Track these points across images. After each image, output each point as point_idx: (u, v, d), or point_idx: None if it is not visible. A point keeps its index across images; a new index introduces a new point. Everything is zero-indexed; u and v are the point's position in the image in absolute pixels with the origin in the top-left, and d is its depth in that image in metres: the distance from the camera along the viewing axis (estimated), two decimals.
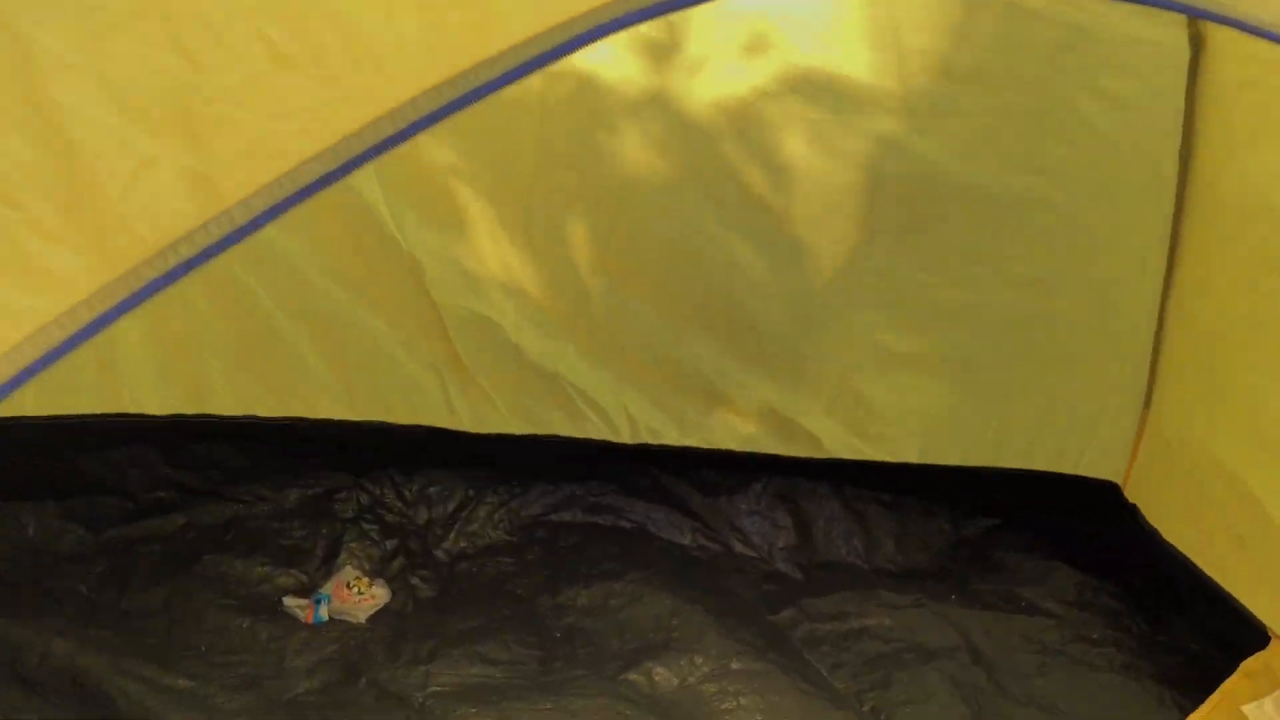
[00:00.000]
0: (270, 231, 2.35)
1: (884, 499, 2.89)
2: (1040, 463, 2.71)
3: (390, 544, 2.65)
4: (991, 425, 2.62)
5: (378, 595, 2.50)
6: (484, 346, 2.54)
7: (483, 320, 2.51)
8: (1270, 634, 2.21)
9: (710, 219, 2.42)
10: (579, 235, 2.47)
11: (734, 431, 2.68)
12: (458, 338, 2.53)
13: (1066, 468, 2.73)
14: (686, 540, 2.79)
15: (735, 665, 2.30)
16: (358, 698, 2.17)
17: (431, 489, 2.77)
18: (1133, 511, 2.67)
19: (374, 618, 2.45)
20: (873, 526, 2.86)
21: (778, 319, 2.52)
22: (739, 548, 2.80)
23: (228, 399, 2.58)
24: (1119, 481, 2.74)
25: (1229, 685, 2.19)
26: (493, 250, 2.45)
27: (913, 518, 2.88)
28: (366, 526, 2.68)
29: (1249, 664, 2.18)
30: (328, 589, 2.50)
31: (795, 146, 2.30)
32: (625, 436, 2.66)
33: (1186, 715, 2.29)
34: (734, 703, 2.21)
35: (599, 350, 2.57)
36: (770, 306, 2.51)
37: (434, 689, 2.18)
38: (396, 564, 2.62)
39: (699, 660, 2.31)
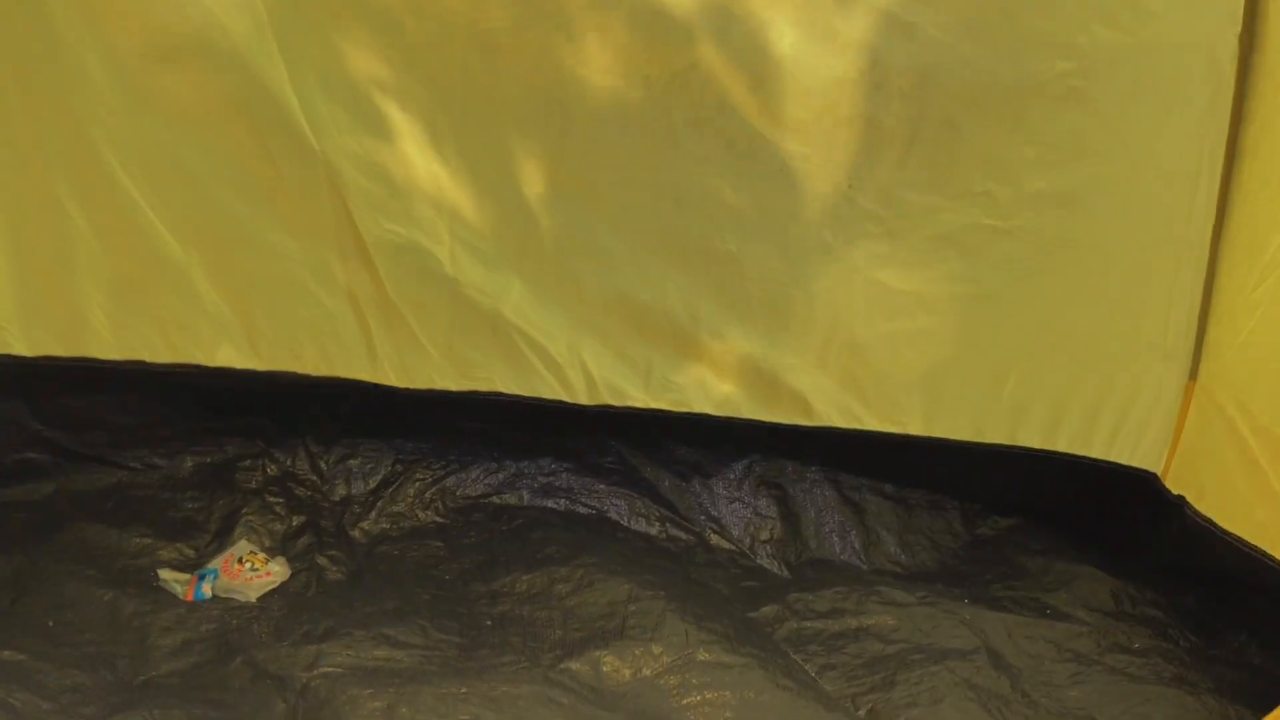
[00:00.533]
0: (160, 132, 2.07)
1: (885, 489, 2.49)
2: (1065, 443, 2.31)
3: (297, 520, 2.23)
4: (1008, 383, 2.22)
5: (274, 572, 2.08)
6: (413, 278, 2.15)
7: (412, 246, 2.12)
8: None
9: (683, 131, 2.05)
10: (526, 150, 2.09)
11: (709, 391, 2.27)
12: (383, 267, 2.14)
13: (1097, 452, 2.32)
14: (654, 530, 2.38)
15: (703, 656, 1.88)
16: (226, 679, 1.74)
17: (353, 460, 2.37)
18: (1179, 505, 2.25)
19: (266, 597, 2.02)
20: (872, 520, 2.45)
21: (761, 253, 2.14)
22: (715, 540, 2.39)
23: (109, 340, 2.18)
24: (1158, 471, 2.33)
25: None
26: (424, 163, 2.08)
27: (918, 512, 2.48)
28: (271, 499, 2.26)
29: None
30: (215, 564, 2.08)
31: (784, 34, 1.94)
32: (582, 396, 2.25)
33: None
34: (698, 697, 1.79)
35: (550, 286, 2.18)
36: (752, 237, 2.12)
37: (323, 670, 1.74)
38: (302, 542, 2.20)
39: (658, 650, 1.89)
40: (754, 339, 2.20)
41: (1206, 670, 2.06)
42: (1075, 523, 2.45)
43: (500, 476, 2.40)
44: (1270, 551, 1.99)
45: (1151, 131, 1.95)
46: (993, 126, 1.99)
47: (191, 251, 2.13)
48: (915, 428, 2.31)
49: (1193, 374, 2.22)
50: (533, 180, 2.10)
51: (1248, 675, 2.06)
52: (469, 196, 2.11)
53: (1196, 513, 2.20)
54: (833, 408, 2.30)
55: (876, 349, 2.20)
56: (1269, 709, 1.94)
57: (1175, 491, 2.28)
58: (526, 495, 2.39)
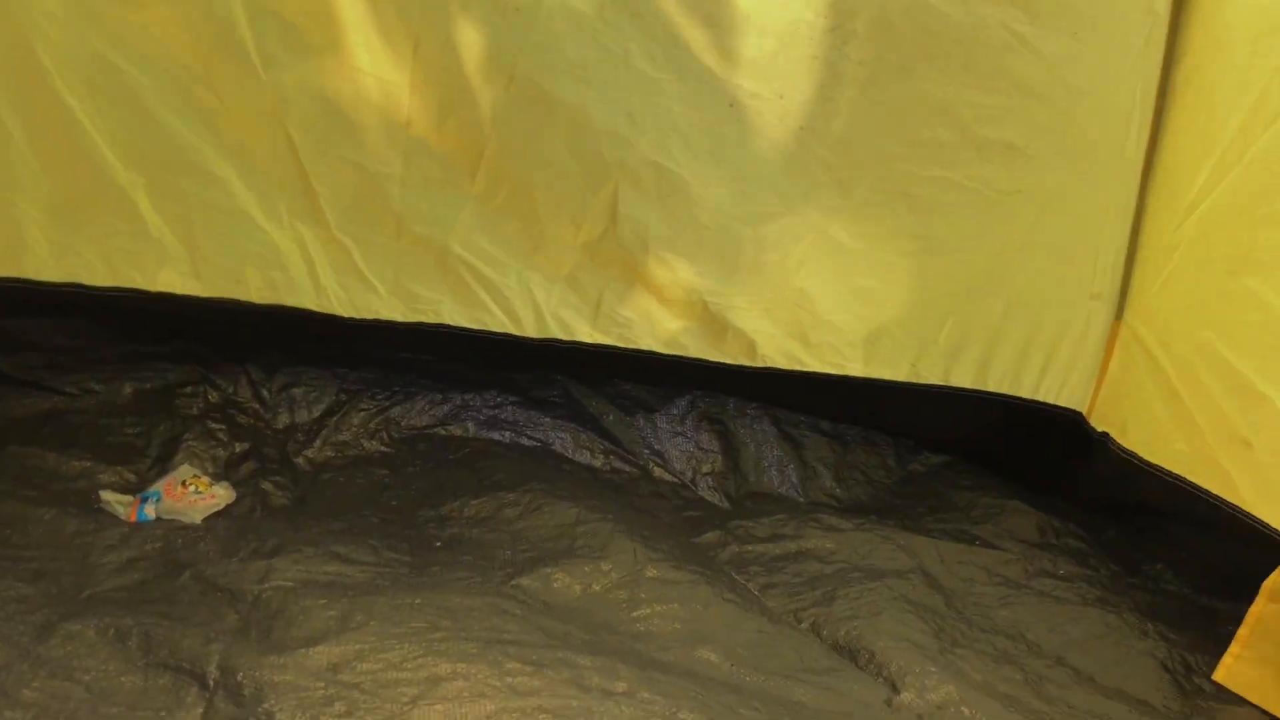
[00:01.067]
0: (103, 46, 2.02)
1: (822, 426, 2.55)
2: (995, 383, 2.39)
3: (240, 447, 2.21)
4: (946, 327, 2.29)
5: (219, 495, 2.07)
6: (359, 213, 2.14)
7: (359, 172, 2.11)
8: None
9: (637, 55, 2.06)
10: (476, 65, 2.08)
11: (656, 329, 2.30)
12: (328, 202, 2.13)
13: (1025, 391, 2.40)
14: (598, 463, 2.41)
15: (651, 573, 1.92)
16: (175, 593, 1.72)
17: (296, 389, 2.35)
18: (1103, 441, 2.35)
19: (211, 519, 2.01)
20: (809, 456, 2.51)
21: (712, 181, 2.16)
22: (658, 473, 2.43)
23: (47, 261, 2.13)
24: (1083, 410, 2.42)
25: (1256, 611, 1.85)
26: (378, 88, 2.06)
27: (854, 448, 2.55)
28: (213, 425, 2.23)
29: (1271, 584, 1.85)
30: (158, 487, 2.05)
31: None
32: (530, 330, 2.27)
33: (1175, 648, 1.97)
34: (648, 610, 1.83)
35: (501, 209, 2.18)
36: (704, 162, 2.15)
37: (275, 583, 1.74)
38: (246, 468, 2.18)
39: (607, 568, 1.92)
40: (703, 274, 2.23)
41: (1126, 594, 2.16)
42: (1004, 460, 2.54)
43: (446, 408, 2.41)
44: (1190, 478, 2.08)
45: (1091, 74, 2.02)
46: (943, 73, 2.04)
47: (134, 173, 2.10)
48: (855, 369, 2.37)
49: (1118, 314, 2.31)
50: (485, 97, 2.10)
51: (1164, 599, 2.16)
52: (421, 118, 2.10)
53: (1120, 447, 2.29)
54: (777, 351, 2.35)
55: (824, 298, 2.25)
56: (1185, 628, 2.05)
57: (1100, 428, 2.37)
58: (472, 427, 2.40)
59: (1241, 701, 1.84)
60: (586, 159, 2.11)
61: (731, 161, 2.17)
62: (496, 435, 2.39)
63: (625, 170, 2.13)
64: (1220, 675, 1.88)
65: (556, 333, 2.28)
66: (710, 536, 2.18)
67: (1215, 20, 1.91)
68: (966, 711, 1.68)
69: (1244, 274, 1.94)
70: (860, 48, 2.02)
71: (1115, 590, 2.17)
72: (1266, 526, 1.88)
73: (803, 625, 1.91)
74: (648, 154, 2.12)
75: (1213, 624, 2.06)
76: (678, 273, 2.23)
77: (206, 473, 2.14)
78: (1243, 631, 1.86)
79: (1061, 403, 2.43)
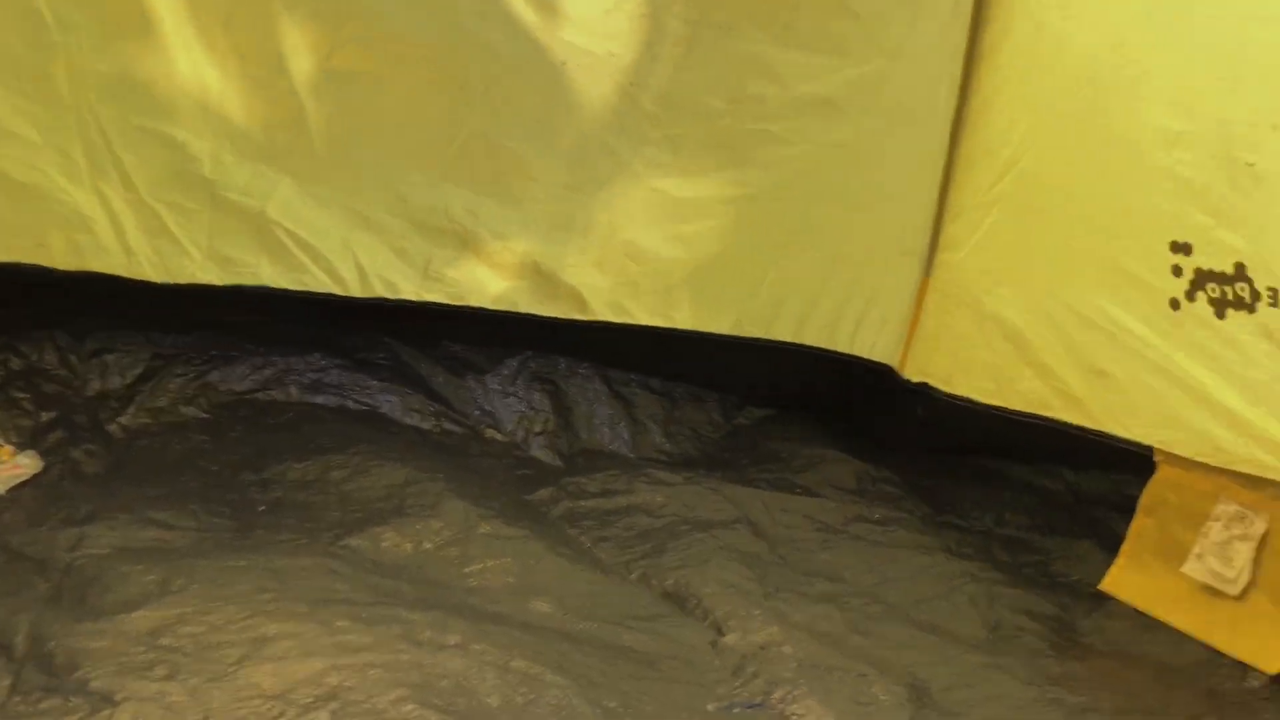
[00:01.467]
0: None
1: (651, 384, 2.60)
2: (813, 336, 2.46)
3: (46, 415, 2.11)
4: (766, 280, 2.36)
5: (24, 465, 1.97)
6: (169, 178, 2.06)
7: (167, 145, 2.03)
8: (1156, 458, 2.03)
9: (468, 18, 2.04)
10: (300, 38, 2.03)
11: (486, 287, 2.29)
12: (134, 166, 2.03)
13: (841, 345, 2.49)
14: (428, 425, 2.39)
15: (483, 530, 1.93)
16: None
17: (108, 354, 2.25)
18: (917, 391, 2.46)
19: (16, 489, 1.91)
20: (639, 413, 2.55)
21: (551, 163, 2.17)
22: (490, 433, 2.43)
23: None
24: (894, 364, 2.53)
25: (1136, 526, 2.01)
26: (185, 55, 1.98)
27: (682, 405, 2.60)
28: (16, 395, 2.12)
29: (1147, 499, 2.01)
30: None
31: None
32: (354, 289, 2.22)
33: (982, 583, 2.10)
34: (480, 565, 1.84)
35: (322, 184, 2.13)
36: (536, 134, 2.15)
37: (88, 551, 1.67)
38: (54, 437, 2.08)
39: (438, 526, 1.92)
40: (535, 240, 2.24)
41: (937, 535, 2.28)
42: (823, 411, 2.64)
43: (267, 372, 2.35)
44: (1044, 413, 2.18)
45: (904, 35, 2.11)
46: (766, 32, 2.09)
47: None
48: (682, 322, 2.42)
49: (927, 270, 2.43)
50: (306, 69, 2.05)
51: (973, 537, 2.29)
52: (236, 91, 2.04)
53: (948, 395, 2.40)
54: (606, 305, 2.37)
55: (652, 251, 2.28)
56: (991, 563, 2.18)
57: (917, 379, 2.48)
58: (295, 391, 2.35)
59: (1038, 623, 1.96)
60: (414, 137, 2.08)
61: (565, 126, 2.18)
62: (321, 399, 2.35)
63: (455, 144, 2.10)
64: (1106, 585, 2.01)
65: (382, 291, 2.24)
66: (543, 494, 2.20)
67: None
68: (788, 650, 1.75)
69: (1069, 223, 2.07)
70: (687, 6, 2.06)
71: (927, 531, 2.28)
72: (1133, 444, 2.02)
73: (633, 576, 1.95)
74: (480, 131, 2.10)
75: (1017, 557, 2.21)
76: (509, 240, 2.23)
77: (10, 442, 2.03)
78: (1126, 546, 2.00)
79: (875, 356, 2.52)
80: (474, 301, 2.30)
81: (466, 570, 1.82)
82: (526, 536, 1.93)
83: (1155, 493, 2.00)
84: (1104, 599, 2.03)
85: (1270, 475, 1.81)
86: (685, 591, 1.90)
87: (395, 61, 2.09)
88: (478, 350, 2.48)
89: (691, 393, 2.62)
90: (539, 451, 2.43)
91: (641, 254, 2.30)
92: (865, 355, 2.51)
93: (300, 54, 2.04)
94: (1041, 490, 2.33)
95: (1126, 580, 1.98)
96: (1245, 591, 1.83)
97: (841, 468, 2.47)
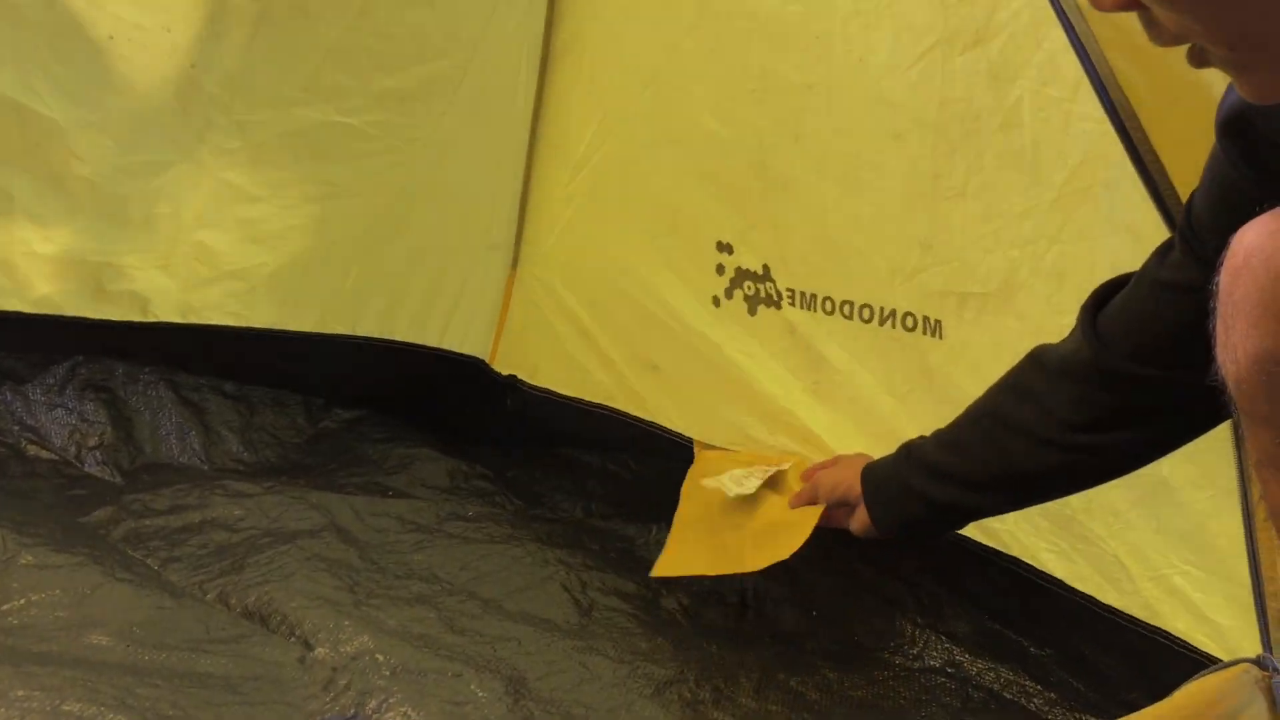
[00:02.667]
0: None
1: (226, 388, 2.41)
2: (402, 332, 2.43)
3: None
4: (351, 275, 2.28)
5: None
6: None
7: None
8: (695, 448, 2.14)
9: None
10: None
11: (25, 290, 2.03)
12: None
13: (431, 340, 2.47)
14: None
15: (25, 560, 1.70)
16: None
17: None
18: (510, 384, 2.49)
19: None
20: (213, 420, 2.36)
21: (99, 140, 1.95)
22: (33, 450, 2.15)
23: None
24: (486, 357, 2.54)
25: (679, 514, 2.07)
26: None
27: (261, 409, 2.44)
28: None
29: (685, 488, 2.08)
30: None
31: None
32: None
33: (573, 570, 2.13)
34: (22, 600, 1.62)
35: None
36: (87, 117, 1.92)
37: None
38: None
39: None
40: (84, 232, 2.01)
41: (529, 526, 2.30)
42: (414, 411, 2.58)
43: None
44: (610, 404, 2.29)
45: (481, 30, 2.10)
46: (341, 17, 2.01)
47: None
48: (261, 321, 2.28)
49: (514, 263, 2.45)
50: None
51: (563, 526, 2.33)
52: None
53: (533, 387, 2.44)
54: (173, 306, 2.20)
55: (224, 247, 2.13)
56: (580, 550, 2.23)
57: (506, 372, 2.50)
58: None
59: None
60: None
61: (115, 104, 1.98)
62: None
63: None
64: (657, 571, 2.07)
65: None
66: (101, 515, 1.98)
67: None
68: (381, 657, 1.69)
69: (633, 221, 2.16)
70: None
71: (519, 524, 2.29)
72: (679, 435, 2.16)
73: (209, 596, 1.80)
74: (5, 92, 1.84)
75: (605, 544, 2.28)
76: (53, 231, 1.98)
77: None
78: (672, 532, 2.07)
79: (465, 350, 2.53)
80: (9, 307, 2.03)
81: (4, 608, 1.59)
82: (80, 564, 1.72)
83: (694, 480, 2.12)
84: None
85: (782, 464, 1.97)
86: (269, 608, 1.78)
87: None
88: (14, 355, 2.18)
89: (272, 396, 2.46)
90: (95, 468, 2.19)
91: (214, 255, 2.15)
92: (456, 349, 2.51)
93: None
94: (618, 478, 2.41)
95: (672, 561, 2.07)
96: (757, 506, 1.96)
97: (434, 466, 2.43)
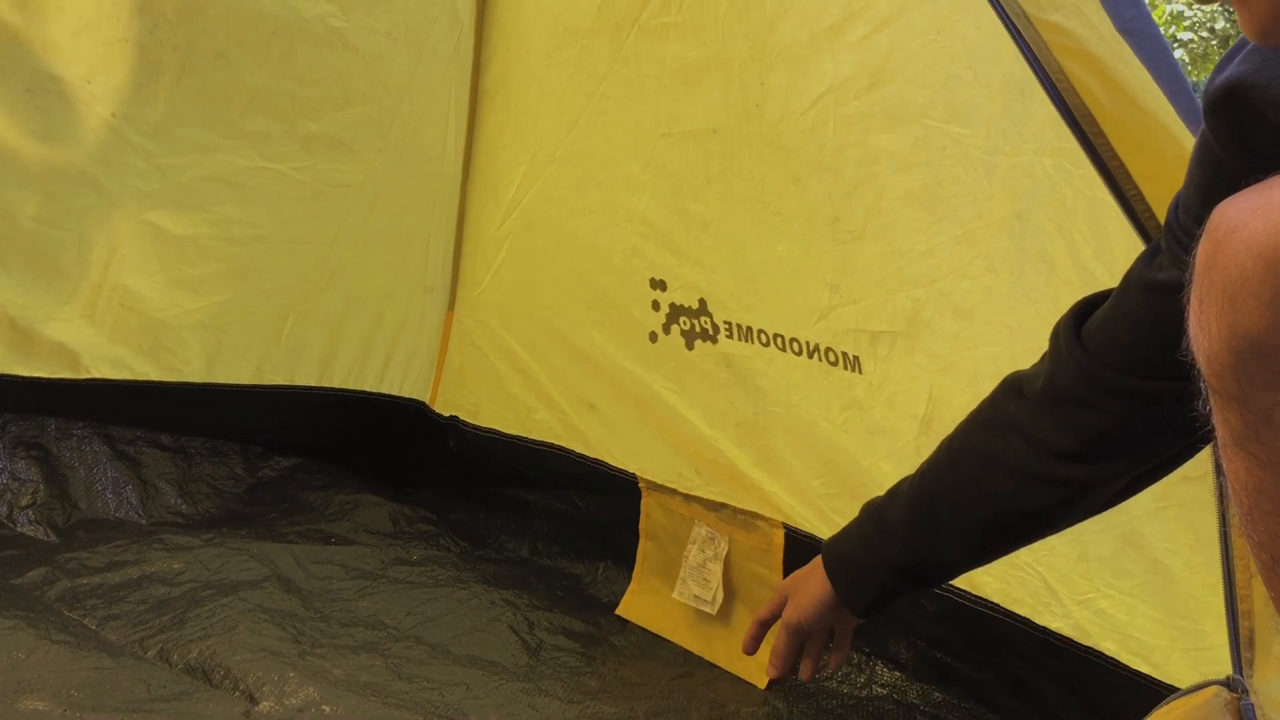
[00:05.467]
0: None
1: (162, 440, 2.38)
2: (340, 379, 2.42)
3: None
4: (287, 323, 2.26)
5: None
6: None
7: None
8: (640, 485, 2.15)
9: None
10: None
11: None
12: None
13: (369, 385, 2.47)
14: None
15: None
16: None
17: None
18: (450, 425, 2.49)
19: None
20: (149, 473, 2.33)
21: (19, 194, 1.92)
22: None
23: None
24: (426, 399, 2.55)
25: (640, 550, 2.14)
26: None
27: (199, 460, 2.42)
28: None
29: (643, 524, 2.13)
30: None
31: None
32: None
33: (520, 610, 2.14)
34: None
35: None
36: (6, 168, 1.89)
37: None
38: None
39: None
40: (8, 288, 1.98)
41: (474, 568, 2.29)
42: (355, 456, 2.57)
43: None
44: (551, 440, 2.30)
45: (408, 75, 2.12)
46: (262, 63, 2.01)
47: None
48: (195, 375, 2.25)
49: (450, 305, 2.46)
50: None
51: (508, 566, 2.34)
52: None
53: (476, 428, 2.44)
54: (103, 360, 2.16)
55: (152, 296, 2.10)
56: (526, 590, 2.23)
57: (447, 414, 2.50)
58: None
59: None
60: None
61: (36, 155, 1.95)
62: None
63: None
64: (621, 610, 2.07)
65: None
66: (34, 575, 1.94)
67: (512, 32, 2.11)
68: (327, 709, 1.67)
69: (565, 261, 2.18)
70: (172, 33, 1.93)
71: (464, 566, 2.29)
72: (621, 471, 2.16)
73: (150, 654, 1.77)
74: None
75: (552, 583, 2.28)
76: None
77: None
78: (636, 570, 2.08)
79: (405, 394, 2.53)
80: None
81: None
82: (14, 627, 1.68)
83: (648, 516, 2.14)
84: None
85: (728, 501, 1.99)
86: (212, 663, 1.75)
87: None
88: None
89: (209, 446, 2.44)
90: (27, 528, 2.14)
91: (141, 302, 2.12)
92: (395, 393, 2.51)
93: None
94: (564, 516, 2.42)
95: (638, 604, 2.11)
96: (727, 610, 2.00)
97: (376, 511, 2.42)
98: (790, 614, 1.51)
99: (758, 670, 1.85)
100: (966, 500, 1.27)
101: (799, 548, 1.87)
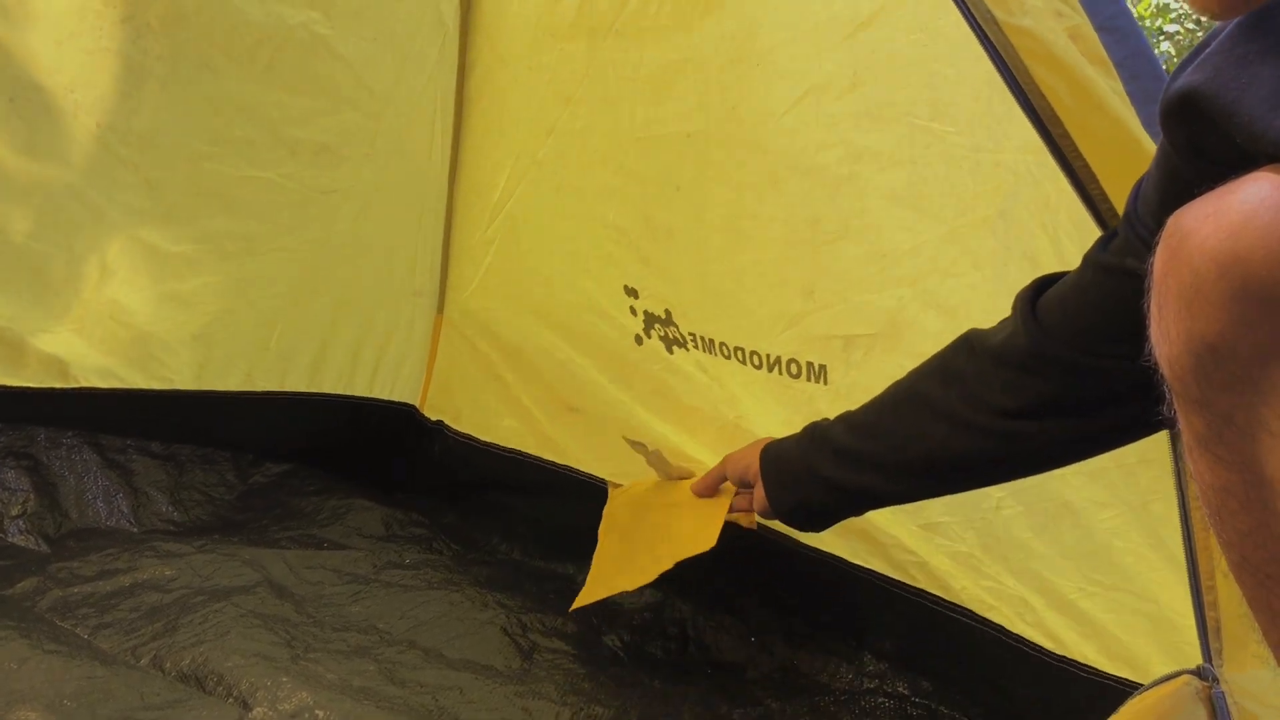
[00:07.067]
0: None
1: (152, 448, 2.38)
2: (330, 384, 2.42)
3: None
4: (276, 330, 2.26)
5: None
6: None
7: None
8: (609, 488, 2.15)
9: None
10: None
11: None
12: None
13: (360, 390, 2.47)
14: None
15: None
16: None
17: None
18: (438, 429, 2.49)
19: None
20: (140, 481, 2.33)
21: (4, 209, 1.91)
22: None
23: None
24: (416, 403, 2.55)
25: (599, 549, 2.07)
26: None
27: (190, 468, 2.41)
28: None
29: (603, 525, 2.08)
30: None
31: None
32: None
33: (512, 613, 2.14)
34: None
35: None
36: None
37: None
38: None
39: None
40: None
41: (467, 571, 2.30)
42: (346, 461, 2.57)
43: None
44: (523, 449, 2.30)
45: (393, 80, 2.11)
46: (248, 71, 2.00)
47: None
48: (186, 383, 2.26)
49: (440, 309, 2.46)
50: None
51: (500, 569, 2.34)
52: None
53: (456, 432, 2.44)
54: (93, 371, 2.16)
55: (142, 310, 2.10)
56: (519, 592, 2.23)
57: (434, 418, 2.50)
58: None
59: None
60: None
61: (21, 168, 1.95)
62: None
63: None
64: (577, 604, 2.06)
65: None
66: (26, 585, 1.94)
67: (495, 36, 2.11)
68: (321, 714, 1.67)
69: (550, 264, 2.18)
70: (157, 42, 1.92)
71: (457, 570, 2.29)
72: (593, 478, 2.18)
73: (142, 661, 1.77)
74: None
75: (543, 585, 2.28)
76: None
77: None
78: (591, 570, 2.07)
79: (395, 398, 2.53)
80: None
81: None
82: (5, 638, 1.68)
83: (610, 515, 2.13)
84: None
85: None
86: (205, 669, 1.75)
87: None
88: None
89: (200, 454, 2.43)
90: (18, 538, 2.14)
91: (131, 317, 2.12)
92: (385, 397, 2.51)
93: None
94: (552, 520, 2.41)
95: (590, 591, 2.08)
96: (669, 510, 1.98)
97: (369, 516, 2.42)
98: (733, 473, 1.74)
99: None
100: (901, 438, 1.37)
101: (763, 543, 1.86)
